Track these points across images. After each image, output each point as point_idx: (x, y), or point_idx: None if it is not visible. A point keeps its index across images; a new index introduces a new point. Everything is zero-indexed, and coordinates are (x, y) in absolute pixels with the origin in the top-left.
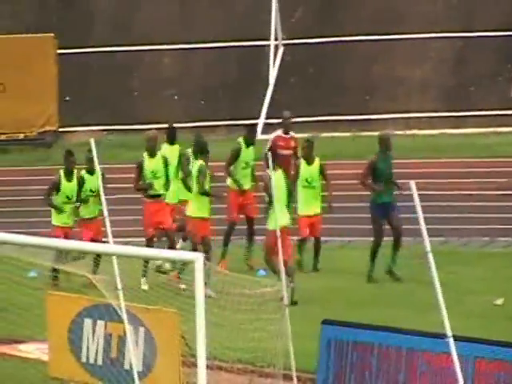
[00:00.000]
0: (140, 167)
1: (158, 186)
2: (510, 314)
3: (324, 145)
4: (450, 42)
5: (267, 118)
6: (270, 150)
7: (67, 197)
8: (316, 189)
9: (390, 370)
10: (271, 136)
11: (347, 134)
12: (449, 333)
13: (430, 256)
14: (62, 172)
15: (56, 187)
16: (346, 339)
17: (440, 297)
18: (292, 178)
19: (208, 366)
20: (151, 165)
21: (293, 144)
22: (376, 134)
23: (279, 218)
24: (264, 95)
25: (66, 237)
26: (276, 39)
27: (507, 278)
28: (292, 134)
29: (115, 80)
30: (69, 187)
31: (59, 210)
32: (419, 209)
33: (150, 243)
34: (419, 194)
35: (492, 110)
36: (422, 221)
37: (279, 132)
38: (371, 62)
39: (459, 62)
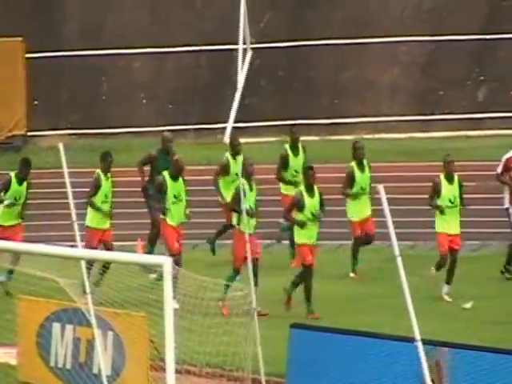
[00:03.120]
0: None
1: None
2: (481, 317)
3: None
4: (420, 46)
5: (236, 121)
6: (502, 170)
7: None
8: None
9: (360, 374)
10: (504, 157)
11: (316, 138)
12: (417, 337)
13: (399, 260)
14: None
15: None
16: (315, 343)
17: (409, 300)
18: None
19: (177, 370)
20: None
21: None
22: (346, 137)
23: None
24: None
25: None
26: (244, 43)
27: (476, 282)
28: None
29: (85, 84)
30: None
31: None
32: (387, 212)
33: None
34: (387, 198)
35: (461, 113)
36: (390, 224)
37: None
38: (341, 66)
39: (428, 65)
